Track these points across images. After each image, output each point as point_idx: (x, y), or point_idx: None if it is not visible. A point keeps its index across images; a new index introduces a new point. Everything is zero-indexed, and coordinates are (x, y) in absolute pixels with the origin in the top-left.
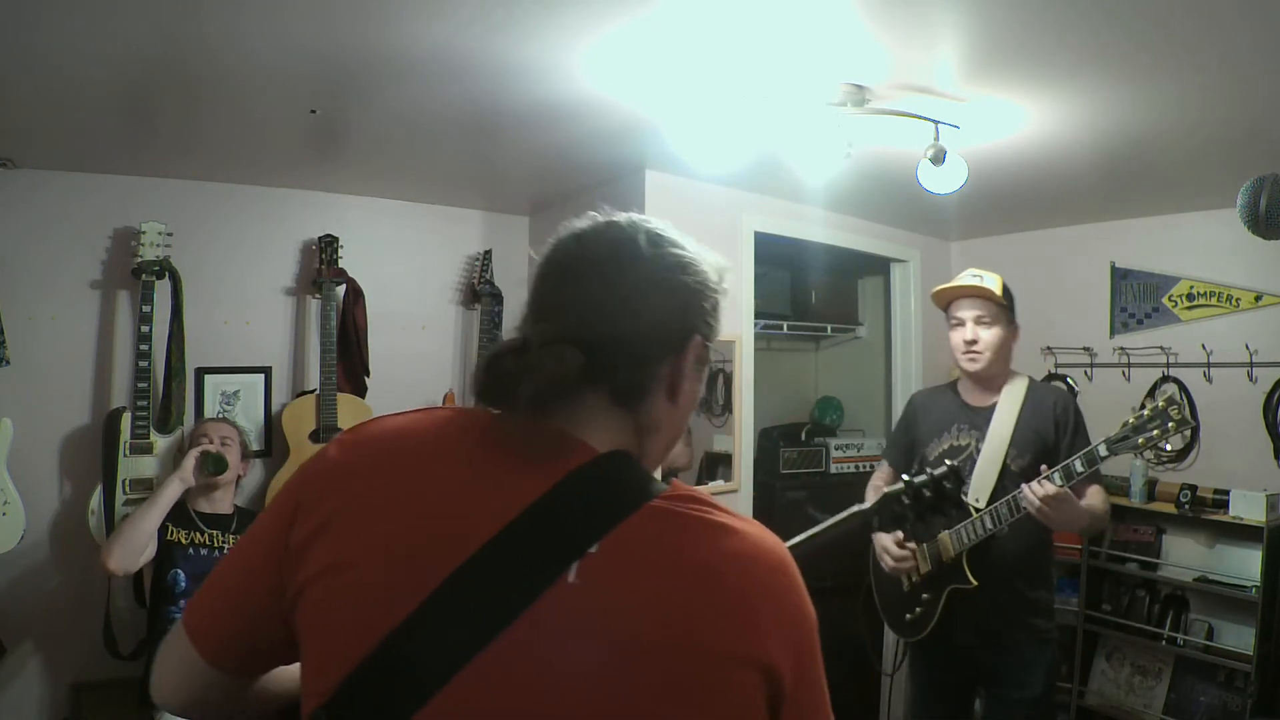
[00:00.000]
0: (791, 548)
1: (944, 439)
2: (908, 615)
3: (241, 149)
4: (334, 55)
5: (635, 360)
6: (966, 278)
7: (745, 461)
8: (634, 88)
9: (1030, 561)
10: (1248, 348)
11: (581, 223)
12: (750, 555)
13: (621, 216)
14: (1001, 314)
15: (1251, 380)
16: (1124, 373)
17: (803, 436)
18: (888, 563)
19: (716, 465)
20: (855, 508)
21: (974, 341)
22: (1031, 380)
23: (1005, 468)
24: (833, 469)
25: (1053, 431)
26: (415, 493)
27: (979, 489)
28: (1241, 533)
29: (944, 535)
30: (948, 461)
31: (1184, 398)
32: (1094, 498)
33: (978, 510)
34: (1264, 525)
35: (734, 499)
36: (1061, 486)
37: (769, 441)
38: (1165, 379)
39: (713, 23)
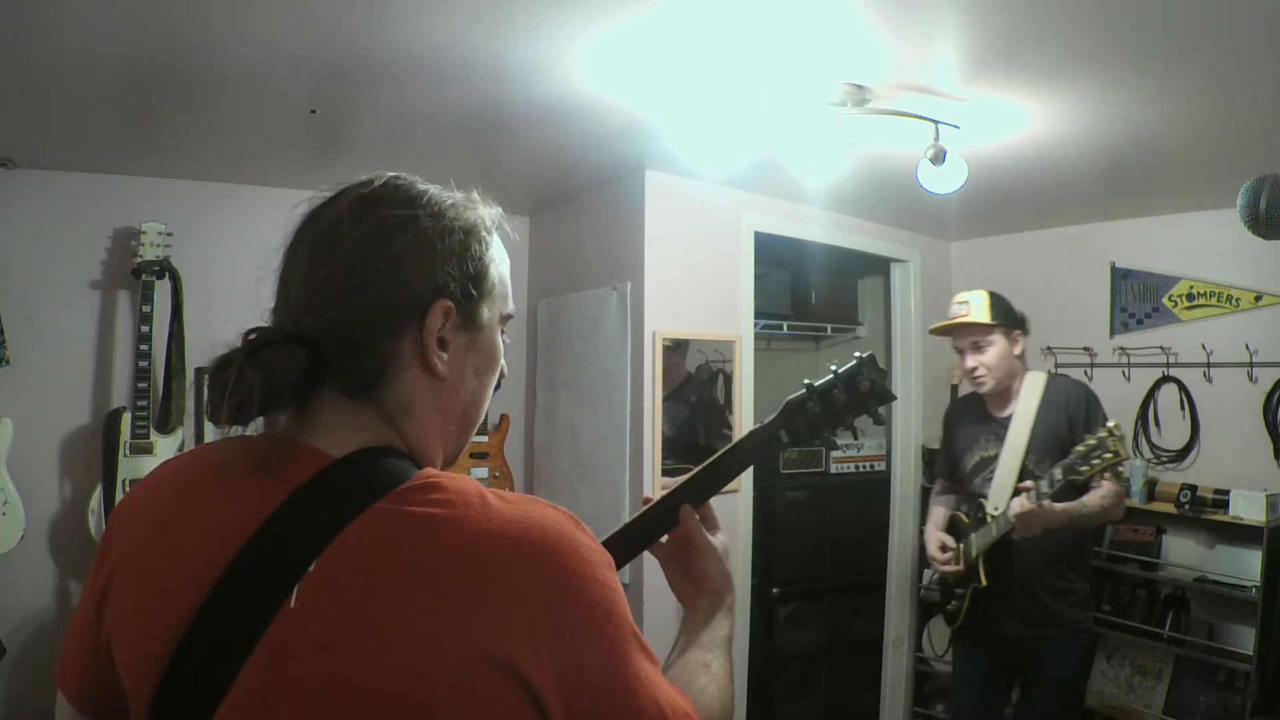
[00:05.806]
0: (686, 483)
1: (975, 451)
2: (948, 606)
3: (241, 149)
4: (334, 55)
5: (354, 346)
6: (951, 309)
7: None
8: (634, 88)
9: (1062, 556)
10: (1248, 348)
11: (320, 194)
12: (469, 544)
13: (355, 182)
14: (994, 331)
15: (1251, 380)
16: (1124, 373)
17: None
18: (930, 558)
19: None
20: (755, 427)
21: (975, 368)
22: (1050, 377)
23: (1026, 472)
24: (833, 469)
25: (1067, 429)
26: (165, 538)
27: (998, 497)
28: (1241, 533)
29: (973, 536)
30: (857, 354)
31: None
32: (1093, 495)
33: (994, 517)
34: (1264, 525)
35: (734, 499)
36: (1036, 505)
37: None
38: (1165, 379)
39: (713, 22)
